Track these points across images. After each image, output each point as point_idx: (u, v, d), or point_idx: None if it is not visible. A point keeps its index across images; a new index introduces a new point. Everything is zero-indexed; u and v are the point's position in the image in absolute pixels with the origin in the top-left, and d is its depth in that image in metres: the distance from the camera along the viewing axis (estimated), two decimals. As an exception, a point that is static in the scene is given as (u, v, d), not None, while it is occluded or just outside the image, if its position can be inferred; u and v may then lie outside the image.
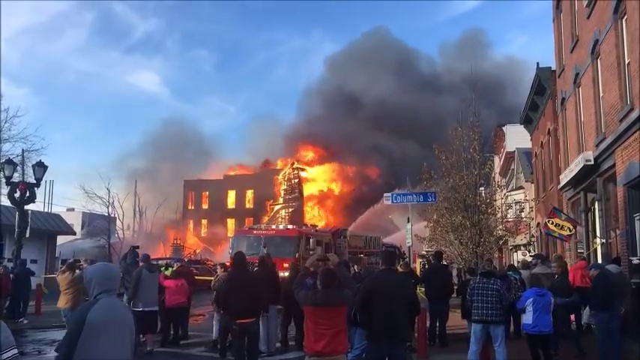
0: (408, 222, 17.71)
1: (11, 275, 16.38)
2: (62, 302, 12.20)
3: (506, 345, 8.84)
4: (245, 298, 8.36)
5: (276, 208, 61.01)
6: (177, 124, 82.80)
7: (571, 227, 15.07)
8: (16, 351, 3.33)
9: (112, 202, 46.31)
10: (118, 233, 44.42)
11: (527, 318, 8.89)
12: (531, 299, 8.80)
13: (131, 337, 3.76)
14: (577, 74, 16.18)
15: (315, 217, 59.26)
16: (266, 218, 55.93)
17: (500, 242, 21.95)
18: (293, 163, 63.54)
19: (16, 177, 21.33)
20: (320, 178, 66.06)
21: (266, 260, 12.08)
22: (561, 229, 15.04)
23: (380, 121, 64.40)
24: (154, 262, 14.12)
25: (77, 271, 12.90)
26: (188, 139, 73.35)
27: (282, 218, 56.03)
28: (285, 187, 61.98)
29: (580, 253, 16.95)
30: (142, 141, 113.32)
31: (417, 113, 62.30)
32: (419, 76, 71.30)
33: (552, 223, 15.12)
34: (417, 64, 74.96)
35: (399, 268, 11.76)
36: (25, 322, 15.82)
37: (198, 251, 50.93)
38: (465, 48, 72.16)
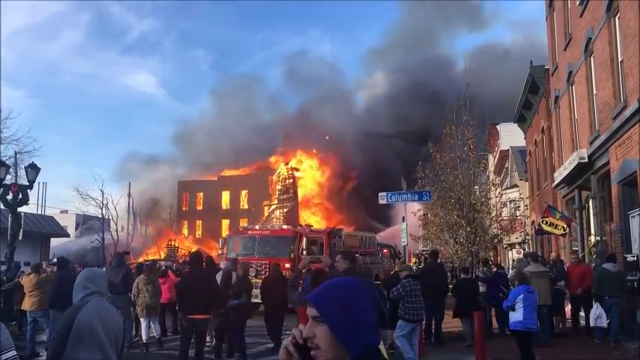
0: (403, 221, 17.67)
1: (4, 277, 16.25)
2: (28, 304, 12.08)
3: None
4: (200, 294, 8.55)
5: (271, 208, 60.87)
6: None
7: (565, 227, 15.06)
8: (14, 352, 3.30)
9: (106, 204, 46.24)
10: (112, 235, 44.22)
11: (516, 315, 8.66)
12: (522, 296, 8.62)
13: (117, 342, 3.65)
14: (570, 72, 16.21)
15: (310, 217, 59.16)
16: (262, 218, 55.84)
17: (495, 240, 21.99)
18: (287, 163, 63.32)
19: (9, 179, 21.15)
20: (315, 177, 65.87)
21: (213, 260, 13.14)
22: (555, 228, 15.04)
23: (379, 119, 64.50)
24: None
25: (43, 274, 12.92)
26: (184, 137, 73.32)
27: (276, 218, 55.88)
28: (280, 187, 61.80)
29: (575, 250, 16.98)
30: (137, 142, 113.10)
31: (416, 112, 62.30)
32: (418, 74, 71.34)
33: (546, 223, 15.11)
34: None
35: (395, 267, 11.78)
36: (19, 324, 15.68)
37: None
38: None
